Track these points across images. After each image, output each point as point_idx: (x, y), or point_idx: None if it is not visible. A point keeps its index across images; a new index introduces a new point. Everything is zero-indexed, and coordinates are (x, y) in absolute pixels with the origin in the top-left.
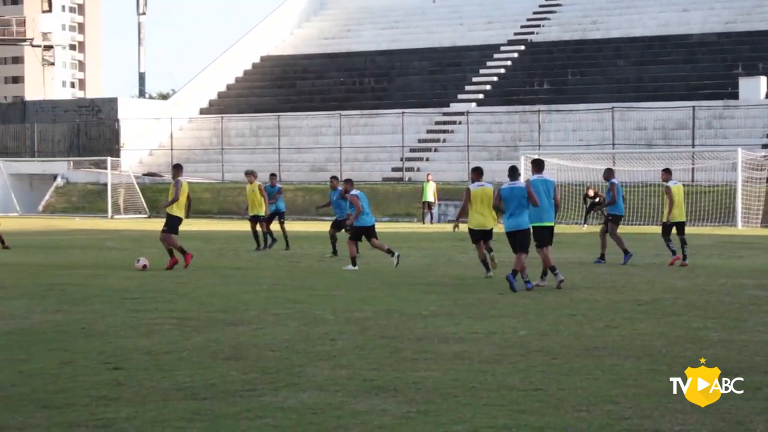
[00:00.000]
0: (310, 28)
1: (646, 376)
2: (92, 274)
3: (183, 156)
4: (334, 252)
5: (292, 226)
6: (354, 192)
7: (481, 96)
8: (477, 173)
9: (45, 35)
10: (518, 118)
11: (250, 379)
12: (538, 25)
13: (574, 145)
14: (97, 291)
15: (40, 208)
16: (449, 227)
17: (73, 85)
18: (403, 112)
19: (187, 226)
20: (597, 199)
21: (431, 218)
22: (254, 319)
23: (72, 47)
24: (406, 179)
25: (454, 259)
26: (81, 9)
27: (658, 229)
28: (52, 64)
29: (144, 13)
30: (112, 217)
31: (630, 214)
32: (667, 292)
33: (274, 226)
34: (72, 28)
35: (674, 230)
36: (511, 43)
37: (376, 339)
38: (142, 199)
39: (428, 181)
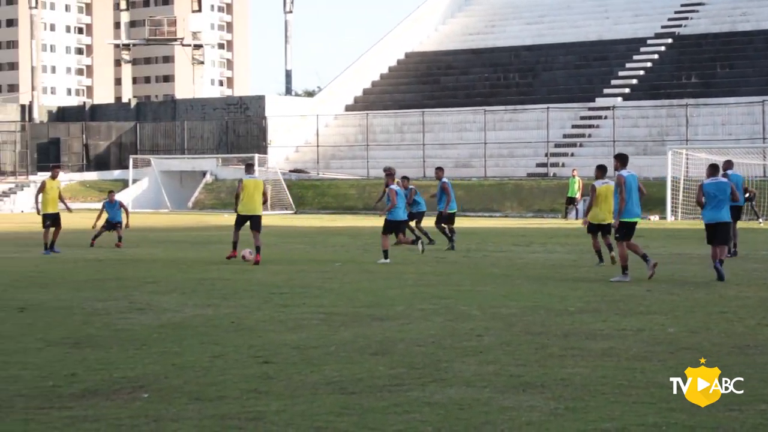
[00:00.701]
0: (454, 24)
1: None
2: (241, 269)
3: (328, 153)
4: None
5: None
6: (393, 186)
7: (627, 90)
8: (601, 171)
9: (194, 34)
10: (665, 112)
11: (397, 374)
12: (686, 18)
13: (723, 140)
14: (245, 286)
15: (190, 204)
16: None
17: (221, 83)
18: (548, 107)
19: (332, 222)
20: (747, 195)
21: (576, 214)
22: (401, 315)
23: (220, 46)
24: (551, 175)
25: None
26: (229, 8)
27: None
28: (202, 62)
29: (291, 12)
30: None
31: None
32: None
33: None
34: (220, 27)
35: None
36: (658, 36)
37: (523, 335)
38: (289, 196)
39: (574, 176)
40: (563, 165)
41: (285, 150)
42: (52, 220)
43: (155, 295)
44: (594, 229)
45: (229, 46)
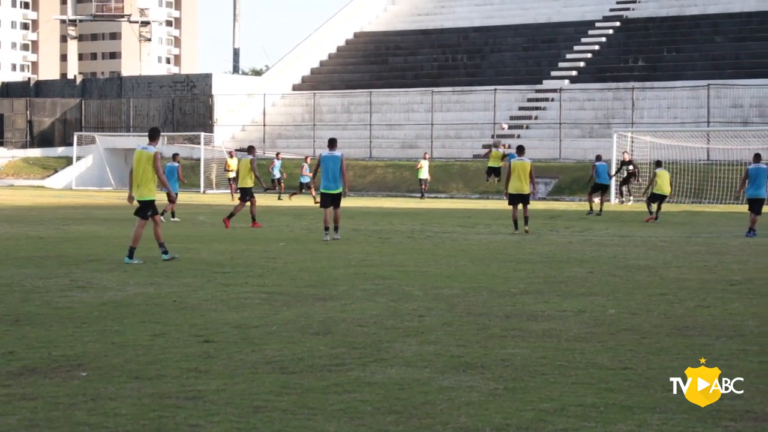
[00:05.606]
0: (403, 5)
1: (737, 356)
2: (184, 248)
3: (275, 132)
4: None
5: (383, 202)
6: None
7: (574, 73)
8: (520, 151)
9: (142, 11)
10: (612, 95)
11: (338, 353)
12: (634, 1)
13: (668, 123)
14: (188, 265)
15: None
16: (541, 205)
17: (168, 60)
18: (495, 89)
19: (277, 202)
20: (631, 167)
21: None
22: (343, 295)
23: (168, 23)
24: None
25: (543, 236)
26: None
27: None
28: (149, 39)
29: None
30: (204, 192)
31: (725, 193)
32: (760, 271)
33: None
34: (168, 5)
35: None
36: (606, 19)
37: (465, 316)
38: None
39: (423, 161)
40: (509, 146)
41: (231, 129)
42: None
43: (97, 273)
44: (515, 200)
45: (176, 23)
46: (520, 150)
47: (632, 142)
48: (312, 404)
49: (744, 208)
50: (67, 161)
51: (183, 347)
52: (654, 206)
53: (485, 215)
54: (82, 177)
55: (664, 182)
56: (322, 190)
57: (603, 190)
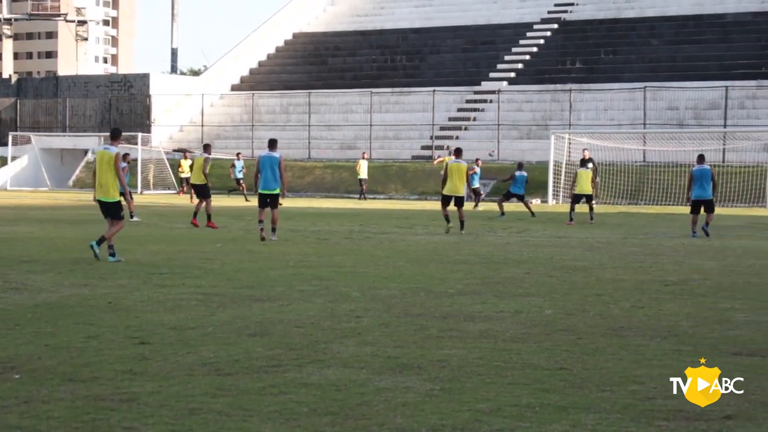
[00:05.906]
0: (342, 5)
1: (671, 356)
2: (120, 249)
3: (213, 132)
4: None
5: (321, 203)
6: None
7: (512, 74)
8: (458, 153)
9: (79, 10)
10: (550, 97)
11: (274, 355)
12: (572, 3)
13: (606, 125)
14: (124, 266)
15: (70, 182)
16: (479, 206)
17: (105, 60)
18: (434, 90)
19: (214, 202)
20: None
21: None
22: (280, 296)
23: (105, 23)
24: (435, 157)
25: (481, 237)
26: None
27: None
28: (86, 39)
29: None
30: (141, 193)
31: (661, 195)
32: (694, 272)
33: None
34: (106, 4)
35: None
36: (544, 21)
37: (402, 317)
38: (172, 175)
39: (360, 163)
40: (447, 148)
41: (169, 129)
42: None
43: (31, 274)
44: (448, 200)
45: (114, 23)
46: (458, 152)
47: (569, 143)
48: (248, 406)
49: (682, 209)
50: (2, 161)
51: (118, 349)
52: (582, 208)
53: (423, 216)
54: (17, 177)
55: (582, 182)
56: (260, 191)
57: (518, 198)
